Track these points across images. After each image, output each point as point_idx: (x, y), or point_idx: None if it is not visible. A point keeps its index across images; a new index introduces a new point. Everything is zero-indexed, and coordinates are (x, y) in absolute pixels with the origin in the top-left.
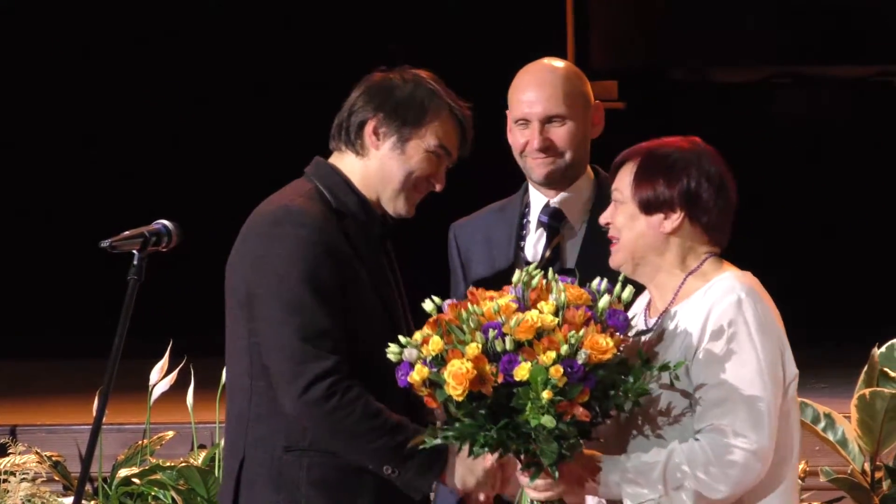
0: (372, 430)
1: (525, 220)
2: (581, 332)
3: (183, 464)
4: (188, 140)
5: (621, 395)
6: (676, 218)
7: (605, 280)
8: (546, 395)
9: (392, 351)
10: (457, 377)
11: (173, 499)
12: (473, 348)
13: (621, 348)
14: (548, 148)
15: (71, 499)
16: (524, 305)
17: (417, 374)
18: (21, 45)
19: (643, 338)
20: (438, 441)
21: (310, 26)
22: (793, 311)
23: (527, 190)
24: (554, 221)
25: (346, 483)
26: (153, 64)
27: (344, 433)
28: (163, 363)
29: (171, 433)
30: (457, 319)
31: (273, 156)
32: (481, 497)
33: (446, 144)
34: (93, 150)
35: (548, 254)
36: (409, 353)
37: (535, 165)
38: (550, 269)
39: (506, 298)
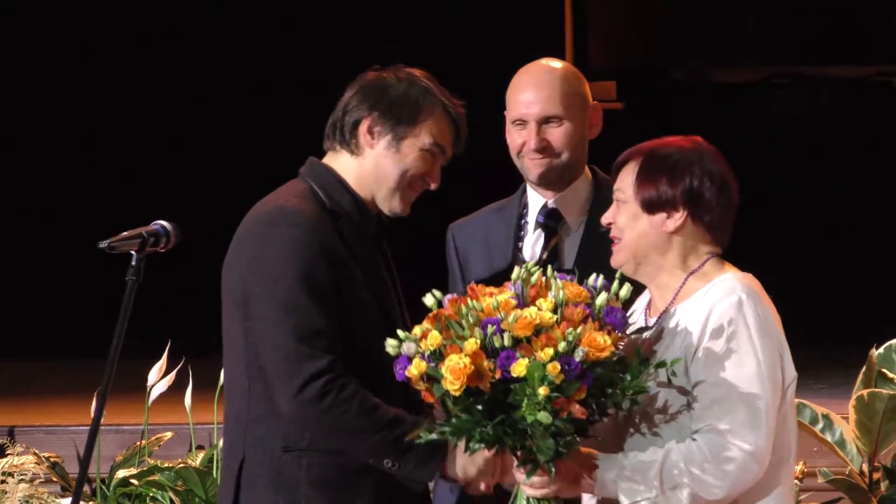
0: (370, 425)
1: (523, 220)
2: (579, 330)
3: (181, 465)
4: (188, 140)
5: (619, 393)
6: (679, 217)
7: (602, 276)
8: (543, 391)
9: (391, 344)
10: (454, 372)
11: (171, 500)
12: (472, 344)
13: (619, 346)
14: (544, 149)
15: (69, 500)
16: (523, 302)
17: (415, 369)
18: (21, 45)
19: (642, 336)
20: (434, 436)
21: (310, 26)
22: (793, 311)
23: (525, 190)
24: (552, 222)
25: (345, 483)
26: (153, 64)
27: (342, 430)
28: (161, 364)
29: (169, 434)
30: (456, 315)
31: (273, 156)
32: (482, 486)
33: (441, 142)
34: (93, 150)
35: (546, 254)
36: (408, 347)
37: (531, 166)
38: (549, 267)
39: (505, 295)
